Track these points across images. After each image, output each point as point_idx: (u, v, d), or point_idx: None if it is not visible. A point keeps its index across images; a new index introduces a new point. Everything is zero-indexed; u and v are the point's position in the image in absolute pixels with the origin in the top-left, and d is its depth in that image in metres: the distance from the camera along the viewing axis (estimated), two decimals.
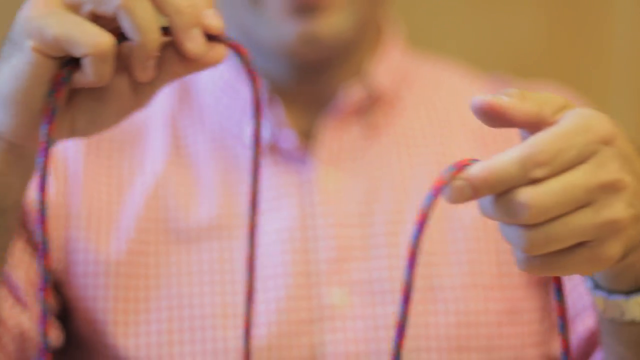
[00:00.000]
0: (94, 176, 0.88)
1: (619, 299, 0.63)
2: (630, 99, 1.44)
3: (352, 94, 0.90)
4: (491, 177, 0.53)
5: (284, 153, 0.89)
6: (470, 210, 0.87)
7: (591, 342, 0.83)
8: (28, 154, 0.63)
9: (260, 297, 0.84)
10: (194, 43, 0.58)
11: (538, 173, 0.53)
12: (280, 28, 0.85)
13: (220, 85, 0.92)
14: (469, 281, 0.85)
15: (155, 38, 0.57)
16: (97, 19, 0.58)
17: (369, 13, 0.89)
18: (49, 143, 0.59)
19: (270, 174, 0.88)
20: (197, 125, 0.91)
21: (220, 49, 0.60)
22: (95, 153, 0.89)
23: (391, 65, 0.93)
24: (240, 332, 0.83)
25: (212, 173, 0.88)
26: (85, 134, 0.63)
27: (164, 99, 0.93)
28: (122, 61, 0.60)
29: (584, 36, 1.47)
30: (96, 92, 0.61)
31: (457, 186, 0.53)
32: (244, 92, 0.90)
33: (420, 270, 0.84)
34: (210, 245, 0.85)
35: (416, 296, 0.84)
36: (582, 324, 0.83)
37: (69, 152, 0.88)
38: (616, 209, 0.54)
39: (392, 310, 0.84)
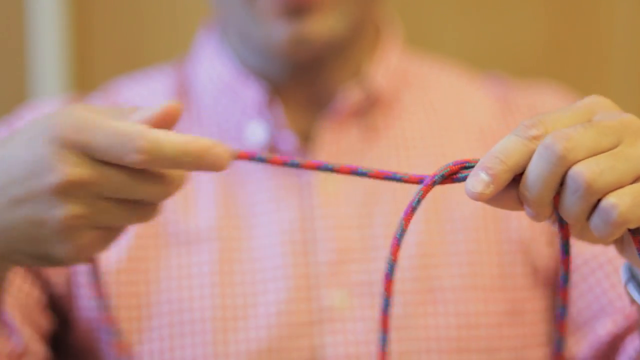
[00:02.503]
0: None
1: None
2: (630, 99, 1.44)
3: (350, 95, 0.90)
4: (498, 154, 0.55)
5: (283, 155, 0.88)
6: (472, 211, 0.87)
7: (613, 346, 0.83)
8: None
9: (260, 299, 0.84)
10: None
11: (533, 131, 0.56)
12: (271, 29, 0.85)
13: (220, 87, 0.91)
14: (470, 282, 0.85)
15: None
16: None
17: (362, 14, 0.89)
18: None
19: (269, 176, 0.88)
20: (196, 127, 0.91)
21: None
22: None
23: (389, 66, 0.93)
24: (241, 335, 0.83)
25: (210, 176, 0.88)
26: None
27: (163, 99, 0.92)
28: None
29: (584, 36, 1.46)
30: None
31: (474, 177, 0.56)
32: (243, 93, 0.90)
33: (420, 272, 0.85)
34: (209, 247, 0.85)
35: (416, 298, 0.84)
36: (603, 327, 0.83)
37: None
38: None
39: (392, 311, 0.84)
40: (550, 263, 0.87)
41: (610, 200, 0.54)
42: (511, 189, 0.57)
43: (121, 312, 0.84)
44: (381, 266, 0.85)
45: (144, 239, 0.86)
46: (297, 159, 0.60)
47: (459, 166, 0.58)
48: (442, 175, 0.58)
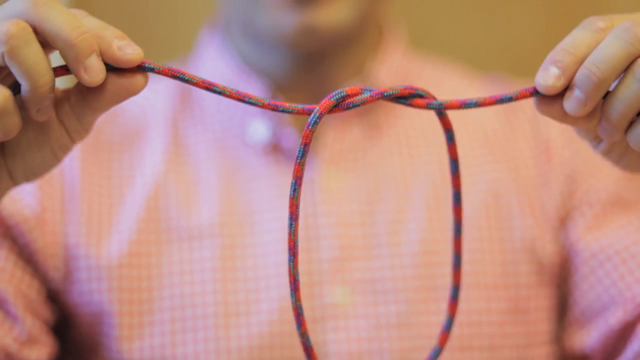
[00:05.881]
0: (93, 179, 0.87)
1: None
2: None
3: None
4: (566, 46, 0.56)
5: (285, 152, 0.89)
6: (474, 210, 0.87)
7: (623, 334, 0.83)
8: None
9: (262, 295, 0.84)
10: (89, 74, 0.56)
11: (600, 24, 0.56)
12: (279, 18, 0.85)
13: (222, 85, 0.91)
14: (472, 280, 0.85)
15: (45, 82, 0.55)
16: None
17: (369, 9, 0.89)
18: None
19: (272, 173, 0.88)
20: (198, 125, 0.91)
21: (133, 78, 0.57)
22: (95, 155, 0.89)
23: (392, 66, 0.93)
24: (243, 331, 0.83)
25: (213, 173, 0.88)
26: (28, 179, 0.62)
27: (164, 98, 0.93)
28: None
29: None
30: (24, 138, 0.60)
31: (544, 71, 0.56)
32: (246, 91, 0.90)
33: (422, 269, 0.85)
34: (211, 243, 0.85)
35: (418, 295, 0.85)
36: (614, 316, 0.83)
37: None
38: None
39: (394, 309, 0.84)
40: (555, 260, 0.88)
41: None
42: (558, 97, 0.57)
43: (123, 306, 0.84)
44: (384, 264, 0.86)
45: (146, 234, 0.86)
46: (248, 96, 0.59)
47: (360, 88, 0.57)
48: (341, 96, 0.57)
